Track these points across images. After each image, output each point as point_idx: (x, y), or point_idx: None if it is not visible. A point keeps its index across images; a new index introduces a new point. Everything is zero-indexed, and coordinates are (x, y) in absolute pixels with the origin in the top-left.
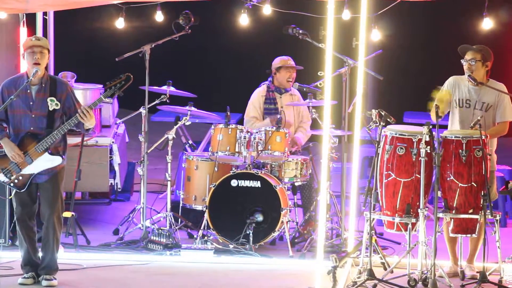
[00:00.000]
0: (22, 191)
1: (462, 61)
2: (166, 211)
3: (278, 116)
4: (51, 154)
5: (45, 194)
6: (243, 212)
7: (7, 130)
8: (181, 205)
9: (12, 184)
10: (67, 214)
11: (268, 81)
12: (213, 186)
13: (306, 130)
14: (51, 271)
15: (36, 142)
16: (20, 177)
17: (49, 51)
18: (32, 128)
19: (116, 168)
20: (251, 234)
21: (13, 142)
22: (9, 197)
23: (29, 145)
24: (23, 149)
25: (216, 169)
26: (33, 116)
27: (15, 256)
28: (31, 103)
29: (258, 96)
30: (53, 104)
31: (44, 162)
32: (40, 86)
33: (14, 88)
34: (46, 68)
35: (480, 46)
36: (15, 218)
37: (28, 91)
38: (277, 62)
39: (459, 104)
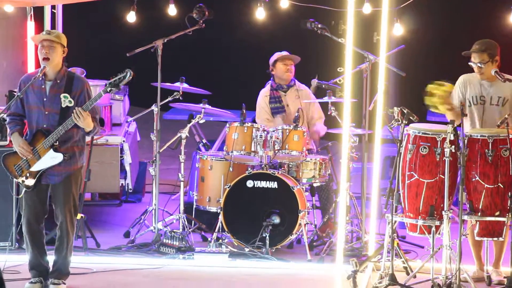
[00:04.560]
0: (29, 189)
1: (470, 63)
2: (179, 213)
3: (284, 113)
4: (55, 151)
5: (56, 196)
6: (259, 214)
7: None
8: (194, 206)
9: (22, 181)
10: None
11: (270, 80)
12: (228, 187)
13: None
14: (61, 276)
15: (44, 138)
16: (28, 174)
17: (62, 45)
18: (45, 125)
19: (127, 168)
20: (267, 237)
21: (28, 138)
22: (19, 196)
23: (38, 141)
24: (34, 145)
25: (231, 169)
26: (46, 112)
27: (22, 259)
28: (44, 99)
29: (262, 97)
30: (66, 101)
31: (48, 159)
32: (55, 82)
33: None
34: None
35: (483, 44)
36: (22, 220)
37: (43, 86)
38: (272, 57)
39: (473, 101)
